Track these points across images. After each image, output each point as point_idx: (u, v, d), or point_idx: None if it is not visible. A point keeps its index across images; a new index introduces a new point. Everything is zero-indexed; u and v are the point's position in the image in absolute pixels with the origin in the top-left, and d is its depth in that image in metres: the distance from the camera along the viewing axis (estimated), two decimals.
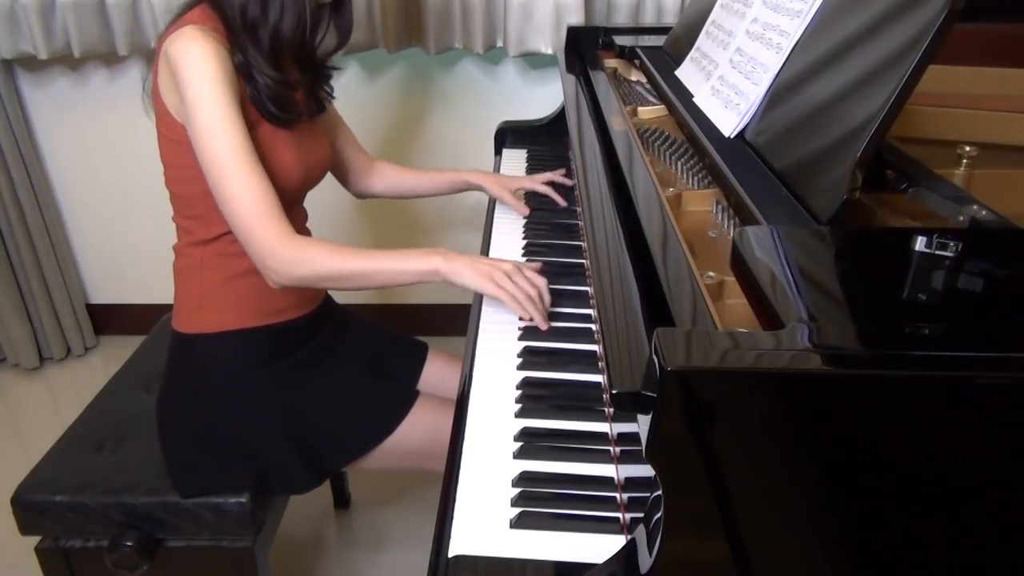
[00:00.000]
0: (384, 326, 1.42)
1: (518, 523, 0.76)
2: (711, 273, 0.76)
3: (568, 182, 1.50)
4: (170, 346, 1.22)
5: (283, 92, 1.11)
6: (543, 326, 1.05)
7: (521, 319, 1.07)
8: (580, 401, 0.93)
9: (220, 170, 1.04)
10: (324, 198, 1.40)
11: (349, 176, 1.45)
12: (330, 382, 1.22)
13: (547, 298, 1.07)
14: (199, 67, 1.02)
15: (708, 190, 0.98)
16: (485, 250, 1.33)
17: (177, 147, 1.09)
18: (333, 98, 1.33)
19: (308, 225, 1.30)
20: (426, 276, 1.07)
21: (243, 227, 1.05)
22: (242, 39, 1.08)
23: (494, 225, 1.42)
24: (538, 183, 1.49)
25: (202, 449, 1.17)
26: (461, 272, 1.05)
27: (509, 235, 1.38)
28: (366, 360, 1.32)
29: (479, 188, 1.49)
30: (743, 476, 0.55)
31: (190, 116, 1.03)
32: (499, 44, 1.99)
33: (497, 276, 1.04)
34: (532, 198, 1.49)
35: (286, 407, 1.17)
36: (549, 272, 1.22)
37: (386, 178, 1.48)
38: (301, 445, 1.17)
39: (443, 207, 2.28)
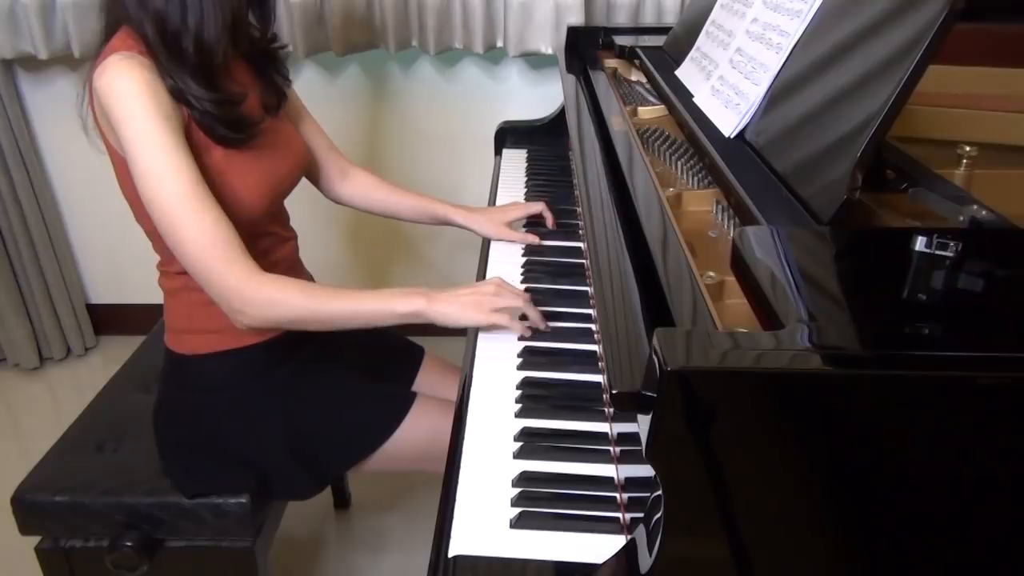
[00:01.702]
0: (378, 328, 1.39)
1: (518, 523, 0.76)
2: (711, 273, 0.76)
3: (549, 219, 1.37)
4: (164, 360, 1.20)
5: (228, 111, 1.02)
6: (543, 326, 1.04)
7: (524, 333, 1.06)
8: (580, 401, 0.93)
9: (168, 214, 0.96)
10: (305, 204, 1.34)
11: (319, 178, 1.35)
12: (326, 388, 1.20)
13: (532, 312, 1.05)
14: (130, 101, 0.93)
15: (708, 190, 0.98)
16: (485, 251, 1.33)
17: (134, 184, 1.00)
18: (289, 82, 1.21)
19: (293, 225, 1.26)
20: (407, 319, 1.03)
21: (202, 272, 0.98)
22: (166, 59, 0.97)
23: None
24: (533, 209, 1.37)
25: (200, 458, 1.17)
26: (446, 312, 1.01)
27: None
28: (362, 363, 1.30)
29: (464, 228, 1.36)
30: (743, 476, 0.55)
31: (129, 156, 0.96)
32: (499, 44, 1.99)
33: (487, 303, 1.02)
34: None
35: (284, 417, 1.16)
36: (549, 273, 1.23)
37: (362, 189, 1.37)
38: (301, 453, 1.16)
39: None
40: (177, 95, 0.99)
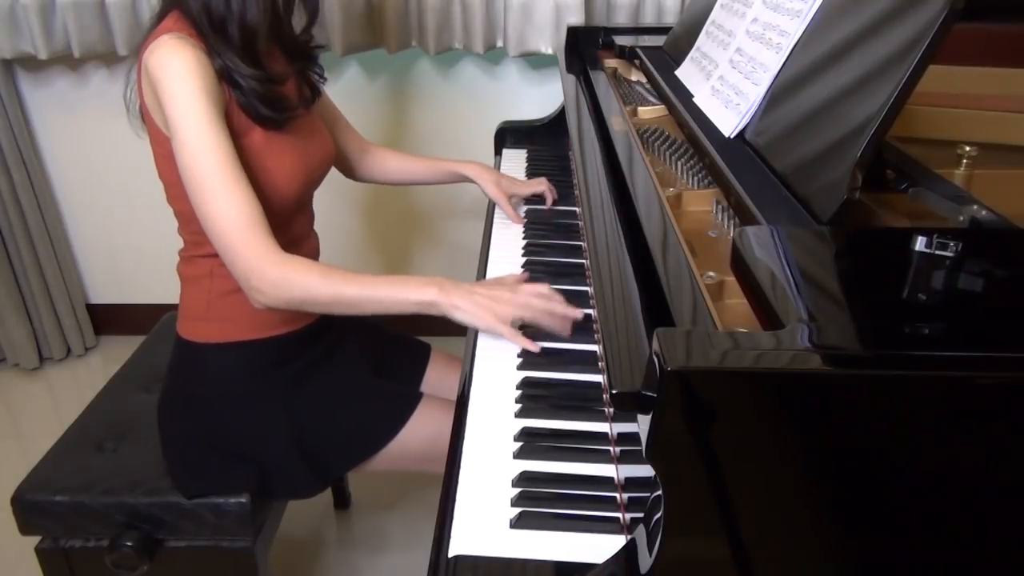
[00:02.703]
0: (386, 327, 1.41)
1: (518, 523, 0.76)
2: (711, 273, 0.76)
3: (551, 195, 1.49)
4: (174, 350, 1.21)
5: (270, 90, 1.07)
6: (566, 332, 1.02)
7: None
8: (580, 401, 0.93)
9: (201, 186, 1.00)
10: (325, 191, 1.35)
11: (345, 162, 1.43)
12: (333, 386, 1.21)
13: (558, 301, 1.03)
14: (179, 78, 0.99)
15: (708, 190, 0.98)
16: (486, 249, 1.33)
17: (172, 164, 1.05)
18: (324, 79, 1.27)
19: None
20: (421, 308, 1.03)
21: (226, 246, 1.01)
22: (214, 41, 1.03)
23: (494, 224, 1.42)
24: (536, 188, 1.48)
25: (204, 452, 1.17)
26: (458, 306, 1.01)
27: (510, 235, 1.38)
28: (369, 362, 1.31)
29: (473, 182, 1.46)
30: (743, 476, 0.55)
31: (172, 130, 1.00)
32: (499, 44, 1.99)
33: (500, 310, 1.01)
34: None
35: (290, 413, 1.17)
36: (549, 273, 1.23)
37: (384, 164, 1.46)
38: (305, 451, 1.17)
39: (444, 201, 2.28)
40: (224, 75, 1.04)
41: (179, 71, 0.99)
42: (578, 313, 1.03)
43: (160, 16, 1.09)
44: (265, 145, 1.09)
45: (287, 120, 1.11)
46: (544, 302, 1.02)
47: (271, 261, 1.01)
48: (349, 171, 1.46)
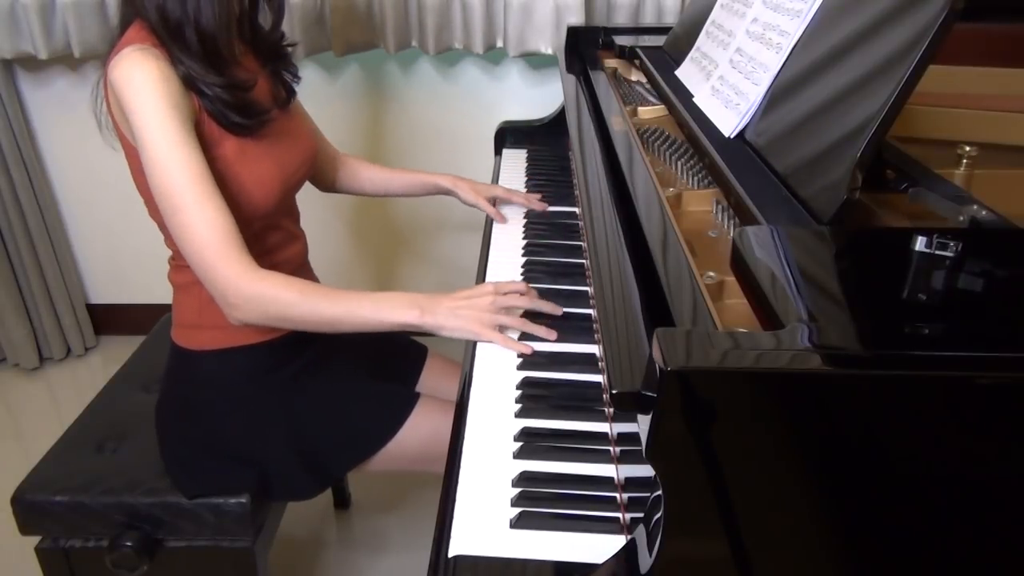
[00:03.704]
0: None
1: (518, 523, 0.76)
2: (711, 273, 0.76)
3: (541, 207, 1.47)
4: (169, 356, 1.20)
5: (239, 97, 1.04)
6: (551, 335, 1.03)
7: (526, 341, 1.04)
8: (580, 401, 0.93)
9: (171, 202, 0.98)
10: (308, 203, 1.35)
11: (317, 174, 1.39)
12: (330, 388, 1.21)
13: (537, 303, 1.06)
14: (142, 92, 0.96)
15: (708, 190, 0.98)
16: (486, 249, 1.33)
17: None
18: (298, 79, 1.24)
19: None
20: (403, 327, 1.03)
21: (201, 262, 0.99)
22: (174, 48, 1.00)
23: (494, 224, 1.42)
24: (513, 196, 1.46)
25: (202, 456, 1.17)
26: (442, 324, 1.02)
27: (509, 235, 1.38)
28: (365, 363, 1.30)
29: (451, 193, 1.45)
30: (743, 476, 0.55)
31: (139, 146, 0.98)
32: (499, 44, 1.99)
33: (486, 318, 1.02)
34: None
35: (287, 416, 1.16)
36: (549, 273, 1.23)
37: (356, 174, 1.43)
38: (303, 453, 1.16)
39: (442, 205, 2.28)
40: (189, 83, 1.01)
41: (142, 84, 0.96)
42: (558, 310, 1.06)
43: (123, 27, 1.05)
44: (240, 154, 1.06)
45: (261, 125, 1.08)
46: (527, 301, 1.05)
47: (247, 278, 0.99)
48: (319, 180, 1.42)
